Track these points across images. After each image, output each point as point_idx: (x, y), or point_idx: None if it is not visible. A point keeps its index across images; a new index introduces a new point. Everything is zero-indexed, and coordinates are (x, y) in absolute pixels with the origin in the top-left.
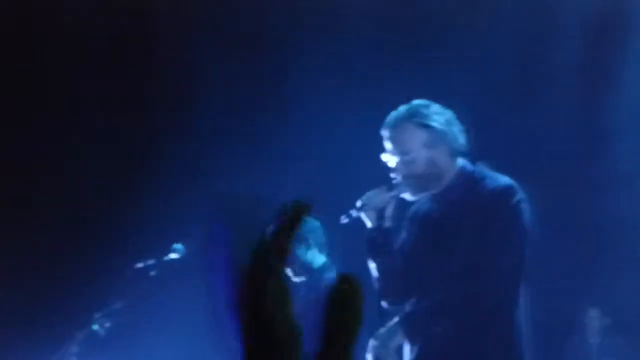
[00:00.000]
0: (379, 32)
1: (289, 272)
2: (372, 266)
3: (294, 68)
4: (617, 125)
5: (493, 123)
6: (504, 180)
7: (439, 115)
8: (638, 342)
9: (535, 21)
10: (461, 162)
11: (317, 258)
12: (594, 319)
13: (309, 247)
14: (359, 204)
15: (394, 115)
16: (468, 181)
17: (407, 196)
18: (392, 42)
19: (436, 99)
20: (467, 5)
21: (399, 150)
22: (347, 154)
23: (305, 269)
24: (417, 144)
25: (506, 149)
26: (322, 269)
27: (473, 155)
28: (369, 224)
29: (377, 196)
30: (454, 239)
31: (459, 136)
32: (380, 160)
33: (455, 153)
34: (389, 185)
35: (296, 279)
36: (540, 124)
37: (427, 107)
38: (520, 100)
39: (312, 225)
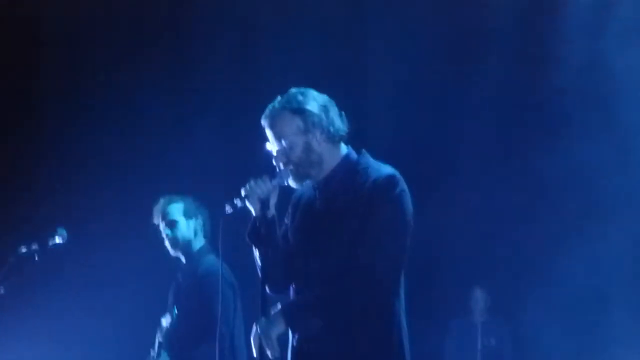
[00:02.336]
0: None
1: (168, 246)
2: (256, 254)
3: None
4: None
5: (380, 112)
6: (386, 169)
7: (314, 101)
8: (518, 322)
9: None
10: (345, 149)
11: (197, 241)
12: (479, 300)
13: (195, 231)
14: (242, 192)
15: (270, 104)
16: (350, 169)
17: (291, 183)
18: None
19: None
20: None
21: (277, 137)
22: (236, 143)
23: (185, 248)
24: (293, 130)
25: (392, 138)
26: (200, 252)
27: (355, 144)
28: (253, 213)
29: (259, 185)
30: (335, 228)
31: (336, 120)
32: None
33: (333, 138)
34: (272, 173)
35: (173, 253)
36: (425, 113)
37: (302, 93)
38: (405, 93)
39: (199, 209)
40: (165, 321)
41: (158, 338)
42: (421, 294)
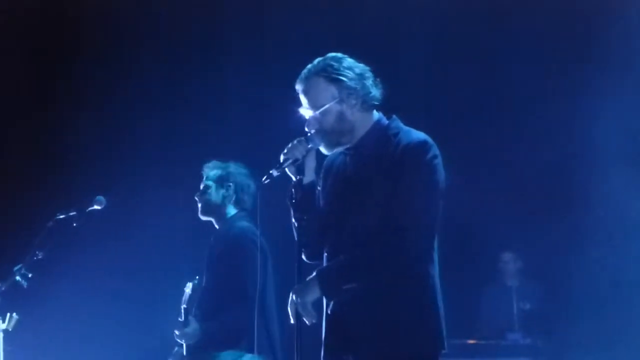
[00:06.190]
0: None
1: (199, 210)
2: (293, 220)
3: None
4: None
5: (412, 77)
6: (418, 135)
7: (350, 70)
8: (552, 286)
9: None
10: (376, 115)
11: (230, 207)
12: (508, 261)
13: (228, 198)
14: (280, 159)
15: (306, 68)
16: (382, 135)
17: (322, 149)
18: None
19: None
20: None
21: (310, 104)
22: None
23: (217, 213)
24: (326, 98)
25: (423, 103)
26: (234, 218)
27: (389, 109)
28: (293, 178)
29: (295, 149)
30: (367, 193)
31: (372, 90)
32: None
33: (367, 107)
34: (306, 137)
35: (202, 217)
36: (460, 79)
37: (338, 60)
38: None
39: (237, 177)
40: (188, 288)
41: (182, 305)
42: (454, 258)
